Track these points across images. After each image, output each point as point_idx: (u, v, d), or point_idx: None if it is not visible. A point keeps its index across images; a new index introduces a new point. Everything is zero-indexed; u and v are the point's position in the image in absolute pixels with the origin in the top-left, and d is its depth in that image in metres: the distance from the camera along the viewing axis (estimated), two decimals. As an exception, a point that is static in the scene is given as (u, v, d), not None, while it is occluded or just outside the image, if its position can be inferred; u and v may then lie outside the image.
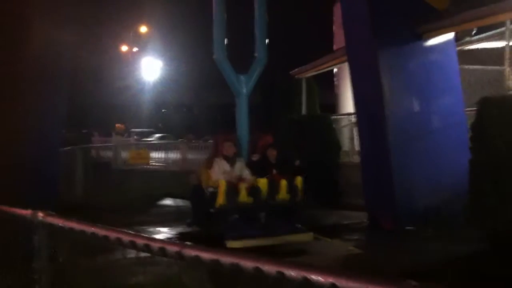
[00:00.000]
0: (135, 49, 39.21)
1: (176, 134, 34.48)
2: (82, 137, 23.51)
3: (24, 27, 6.25)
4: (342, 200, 10.94)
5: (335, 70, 17.98)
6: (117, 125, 43.89)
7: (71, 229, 1.73)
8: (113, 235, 1.57)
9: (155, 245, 1.46)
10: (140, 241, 1.51)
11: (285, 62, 17.28)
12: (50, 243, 2.06)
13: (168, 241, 1.43)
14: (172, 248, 1.42)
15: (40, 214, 1.90)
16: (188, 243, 1.42)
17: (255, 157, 7.89)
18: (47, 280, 2.07)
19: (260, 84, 8.82)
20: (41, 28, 6.27)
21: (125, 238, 1.52)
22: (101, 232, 1.61)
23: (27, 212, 1.98)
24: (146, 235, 1.54)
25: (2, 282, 2.62)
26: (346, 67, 14.86)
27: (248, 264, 1.27)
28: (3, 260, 2.51)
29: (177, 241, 1.43)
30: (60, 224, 1.80)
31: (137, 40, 38.18)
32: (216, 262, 1.31)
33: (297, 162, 8.08)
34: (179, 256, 1.41)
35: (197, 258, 1.35)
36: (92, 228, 1.65)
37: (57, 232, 1.91)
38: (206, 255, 1.33)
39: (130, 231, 1.63)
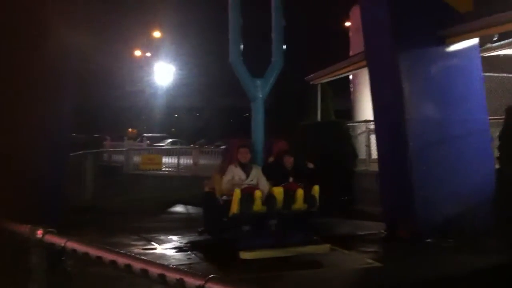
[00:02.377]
0: (148, 54, 39.26)
1: (188, 139, 34.38)
2: (94, 141, 23.43)
3: (37, 28, 6.04)
4: (358, 209, 10.64)
5: (350, 76, 17.70)
6: (129, 129, 43.96)
7: (74, 251, 1.50)
8: (121, 260, 1.33)
9: (173, 276, 1.21)
10: (154, 270, 1.26)
11: (300, 67, 17.03)
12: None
13: (187, 271, 1.17)
14: (192, 282, 1.17)
15: (39, 232, 1.67)
16: (212, 275, 1.16)
17: (271, 160, 7.64)
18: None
19: (275, 89, 8.56)
20: (52, 30, 6.06)
21: (137, 266, 1.27)
22: (108, 256, 1.37)
23: (25, 228, 1.75)
24: (161, 263, 1.29)
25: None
26: (362, 73, 14.61)
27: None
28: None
29: (200, 273, 1.17)
30: (61, 244, 1.56)
31: (150, 45, 38.22)
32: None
33: (311, 165, 7.70)
34: (201, 290, 1.16)
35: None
36: (98, 251, 1.41)
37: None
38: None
39: (143, 257, 1.38)
